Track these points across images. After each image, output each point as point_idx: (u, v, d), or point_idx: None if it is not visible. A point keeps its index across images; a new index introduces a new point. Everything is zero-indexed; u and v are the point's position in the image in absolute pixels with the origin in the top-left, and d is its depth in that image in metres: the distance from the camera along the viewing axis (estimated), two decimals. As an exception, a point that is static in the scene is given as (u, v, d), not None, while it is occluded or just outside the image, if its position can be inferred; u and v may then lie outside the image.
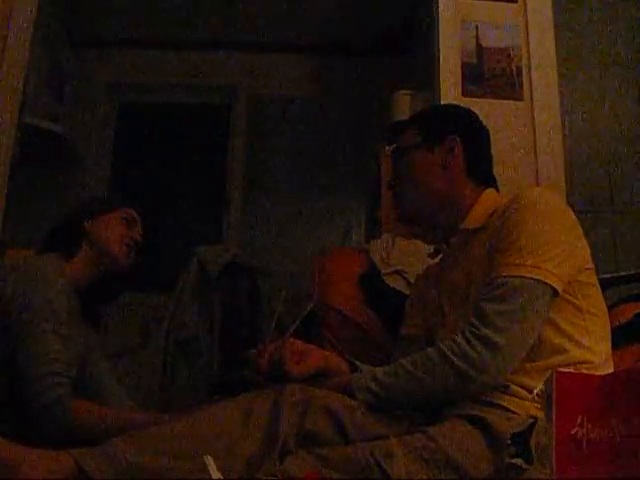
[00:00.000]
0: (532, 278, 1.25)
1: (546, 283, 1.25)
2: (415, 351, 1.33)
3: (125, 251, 1.75)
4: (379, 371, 1.30)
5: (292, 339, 1.37)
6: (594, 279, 1.37)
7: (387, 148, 2.17)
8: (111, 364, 1.83)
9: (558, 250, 1.28)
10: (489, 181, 1.53)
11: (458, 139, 1.48)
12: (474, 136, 1.53)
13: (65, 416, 1.48)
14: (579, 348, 1.29)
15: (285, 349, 1.32)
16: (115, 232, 1.75)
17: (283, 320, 1.50)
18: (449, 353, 1.24)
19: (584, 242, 1.37)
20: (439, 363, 1.24)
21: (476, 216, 1.44)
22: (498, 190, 1.53)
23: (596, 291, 1.36)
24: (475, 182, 1.49)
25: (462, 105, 1.68)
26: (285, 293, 1.51)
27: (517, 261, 1.27)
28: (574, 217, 1.37)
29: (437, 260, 1.58)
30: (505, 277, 1.26)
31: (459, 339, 1.24)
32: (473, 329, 1.24)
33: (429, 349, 1.28)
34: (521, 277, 1.25)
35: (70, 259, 1.69)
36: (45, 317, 1.54)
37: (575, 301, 1.31)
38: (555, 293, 1.27)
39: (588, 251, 1.37)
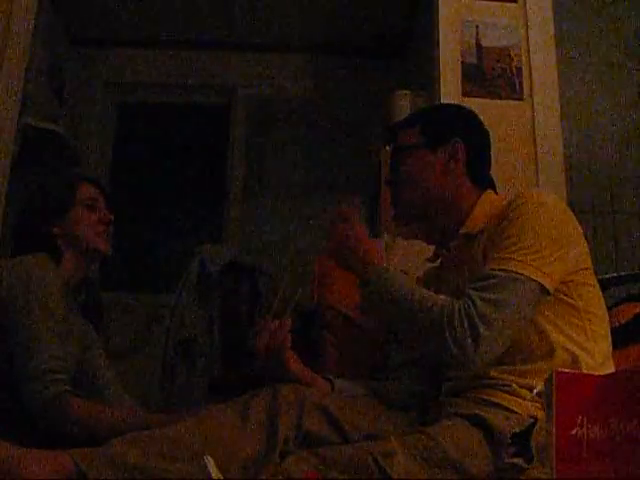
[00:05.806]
0: (519, 272, 1.25)
1: (534, 279, 1.25)
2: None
3: (102, 237, 1.75)
4: (400, 275, 1.34)
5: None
6: (592, 279, 1.36)
7: (387, 148, 2.17)
8: (111, 362, 1.83)
9: (551, 249, 1.28)
10: (488, 183, 1.52)
11: (461, 142, 1.48)
12: (476, 138, 1.53)
13: (64, 413, 1.47)
14: (579, 349, 1.29)
15: (285, 335, 1.35)
16: (84, 225, 1.73)
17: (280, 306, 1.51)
18: (448, 315, 1.23)
19: (582, 242, 1.36)
20: (437, 315, 1.24)
21: (476, 220, 1.43)
22: (496, 191, 1.53)
23: (595, 291, 1.36)
24: (474, 184, 1.48)
25: (465, 106, 1.67)
26: (283, 293, 1.51)
27: (507, 255, 1.27)
28: (572, 217, 1.37)
29: (437, 264, 1.57)
30: (493, 270, 1.27)
31: (461, 308, 1.24)
32: (467, 307, 1.24)
33: (444, 298, 1.28)
34: (508, 270, 1.25)
35: (58, 261, 1.69)
36: (42, 315, 1.53)
37: (571, 301, 1.31)
38: (544, 290, 1.26)
39: (586, 251, 1.37)
